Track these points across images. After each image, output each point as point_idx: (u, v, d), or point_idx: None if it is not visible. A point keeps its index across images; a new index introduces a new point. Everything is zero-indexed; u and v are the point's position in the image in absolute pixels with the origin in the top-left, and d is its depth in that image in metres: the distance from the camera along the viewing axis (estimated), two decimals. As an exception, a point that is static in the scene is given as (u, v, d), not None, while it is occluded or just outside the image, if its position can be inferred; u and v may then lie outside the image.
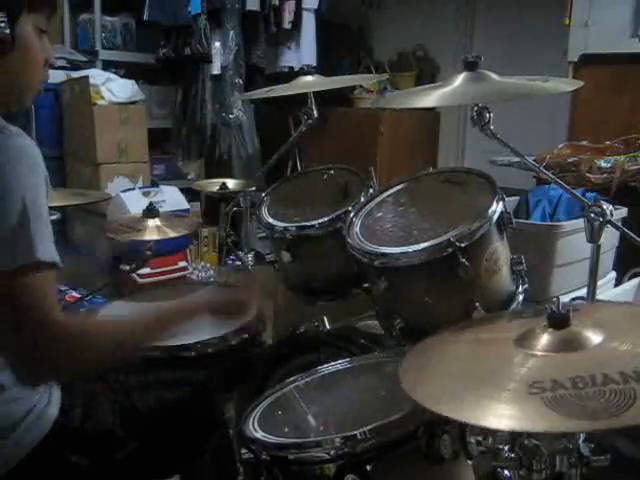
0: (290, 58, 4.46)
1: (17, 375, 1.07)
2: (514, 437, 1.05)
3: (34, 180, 1.06)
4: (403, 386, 0.97)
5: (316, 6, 4.44)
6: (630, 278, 2.30)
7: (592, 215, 1.35)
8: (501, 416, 0.84)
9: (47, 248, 1.06)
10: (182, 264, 3.50)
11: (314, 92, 1.91)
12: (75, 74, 3.87)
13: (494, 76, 1.41)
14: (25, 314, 1.02)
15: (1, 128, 1.06)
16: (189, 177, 4.36)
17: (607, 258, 2.19)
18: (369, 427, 1.12)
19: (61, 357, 1.04)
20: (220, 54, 4.14)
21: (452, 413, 0.89)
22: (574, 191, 1.53)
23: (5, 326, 1.02)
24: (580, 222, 1.42)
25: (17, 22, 1.09)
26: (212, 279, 3.91)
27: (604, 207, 1.34)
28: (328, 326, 1.78)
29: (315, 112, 1.91)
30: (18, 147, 1.05)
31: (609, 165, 2.65)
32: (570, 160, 2.74)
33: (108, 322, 1.21)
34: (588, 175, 2.63)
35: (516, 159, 1.69)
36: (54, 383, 1.18)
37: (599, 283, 1.48)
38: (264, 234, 1.76)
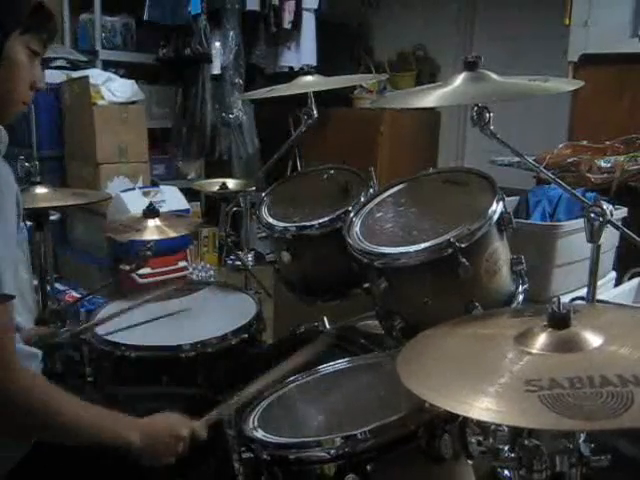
0: (290, 58, 4.47)
1: None
2: (514, 437, 1.05)
3: (2, 203, 1.03)
4: (399, 373, 0.98)
5: (316, 6, 4.45)
6: (630, 278, 2.30)
7: (592, 215, 1.35)
8: (490, 410, 0.85)
9: (11, 280, 1.02)
10: (182, 264, 3.51)
11: (314, 92, 1.91)
12: (75, 74, 3.87)
13: (494, 76, 1.41)
14: None
15: None
16: (189, 177, 4.37)
17: (607, 258, 2.19)
18: (369, 427, 1.12)
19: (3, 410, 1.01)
20: (220, 54, 4.15)
21: (443, 403, 0.90)
22: (574, 191, 1.53)
23: None
24: (580, 222, 1.42)
25: (8, 39, 1.11)
26: (212, 279, 3.92)
27: (604, 207, 1.34)
28: (328, 326, 1.78)
29: (315, 112, 1.91)
30: None
31: (609, 165, 2.65)
32: (570, 160, 2.74)
33: (59, 400, 1.09)
34: (588, 175, 2.63)
35: (516, 159, 1.69)
36: None
37: (599, 283, 1.48)
38: (264, 234, 1.76)
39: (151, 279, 3.15)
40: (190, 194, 3.68)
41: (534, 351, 0.95)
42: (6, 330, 1.03)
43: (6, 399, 1.01)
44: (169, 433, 1.17)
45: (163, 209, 2.33)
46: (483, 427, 1.13)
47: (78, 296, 3.00)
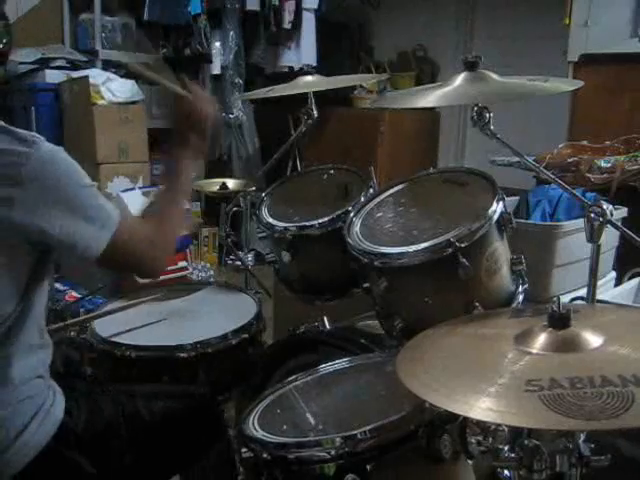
0: (290, 58, 4.47)
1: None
2: (514, 437, 1.05)
3: (76, 168, 1.16)
4: (398, 373, 0.98)
5: (316, 6, 4.45)
6: (630, 278, 2.30)
7: (592, 215, 1.35)
8: (490, 410, 0.85)
9: (114, 208, 1.19)
10: (182, 264, 3.50)
11: (314, 92, 1.91)
12: (75, 74, 3.86)
13: (494, 76, 1.41)
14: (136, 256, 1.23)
15: (24, 138, 1.11)
16: (189, 177, 4.36)
17: (607, 258, 2.19)
18: (369, 427, 1.12)
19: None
20: (220, 54, 4.15)
21: (442, 403, 0.90)
22: (574, 191, 1.53)
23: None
24: (580, 222, 1.42)
25: None
26: (212, 279, 3.92)
27: (604, 207, 1.34)
28: (328, 326, 1.78)
29: (315, 112, 1.91)
30: (54, 150, 1.13)
31: (609, 165, 2.65)
32: (570, 160, 2.74)
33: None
34: (588, 175, 2.63)
35: (516, 159, 1.69)
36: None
37: (599, 283, 1.48)
38: (264, 234, 1.76)
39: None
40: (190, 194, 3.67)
41: (534, 351, 0.95)
42: (137, 238, 1.23)
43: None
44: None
45: (163, 209, 2.32)
46: (483, 427, 1.13)
47: (78, 296, 3.00)
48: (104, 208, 1.18)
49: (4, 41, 1.16)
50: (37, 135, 1.13)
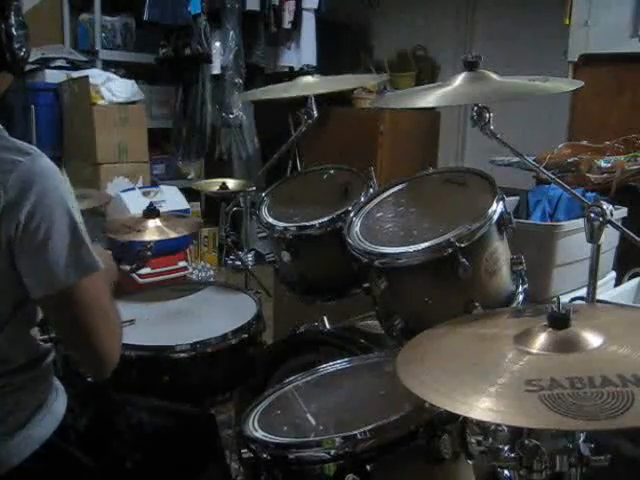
0: (290, 58, 4.47)
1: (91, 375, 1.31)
2: (514, 437, 1.05)
3: (68, 194, 1.12)
4: (398, 373, 0.98)
5: (316, 6, 4.45)
6: (630, 278, 2.30)
7: (592, 215, 1.35)
8: (491, 410, 0.85)
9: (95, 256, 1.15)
10: (182, 264, 3.51)
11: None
12: (75, 74, 3.87)
13: (494, 76, 1.41)
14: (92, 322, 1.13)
15: (24, 150, 1.08)
16: (189, 177, 4.37)
17: (607, 258, 2.19)
18: (369, 427, 1.12)
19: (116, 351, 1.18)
20: (220, 54, 4.15)
21: (442, 403, 0.90)
22: (574, 191, 1.53)
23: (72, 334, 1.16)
24: (580, 222, 1.42)
25: None
26: (212, 279, 3.92)
27: (604, 207, 1.34)
28: (328, 326, 1.78)
29: (315, 112, 1.91)
30: (50, 167, 1.10)
31: (609, 165, 2.65)
32: (570, 160, 2.74)
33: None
34: (588, 175, 2.63)
35: (516, 159, 1.69)
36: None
37: (599, 283, 1.48)
38: (264, 234, 1.76)
39: (151, 279, 3.15)
40: (190, 194, 3.68)
41: (534, 351, 0.96)
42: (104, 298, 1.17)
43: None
44: None
45: (163, 209, 2.33)
46: (483, 427, 1.13)
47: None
48: (79, 250, 1.11)
49: (24, 50, 1.15)
50: (37, 150, 1.10)
